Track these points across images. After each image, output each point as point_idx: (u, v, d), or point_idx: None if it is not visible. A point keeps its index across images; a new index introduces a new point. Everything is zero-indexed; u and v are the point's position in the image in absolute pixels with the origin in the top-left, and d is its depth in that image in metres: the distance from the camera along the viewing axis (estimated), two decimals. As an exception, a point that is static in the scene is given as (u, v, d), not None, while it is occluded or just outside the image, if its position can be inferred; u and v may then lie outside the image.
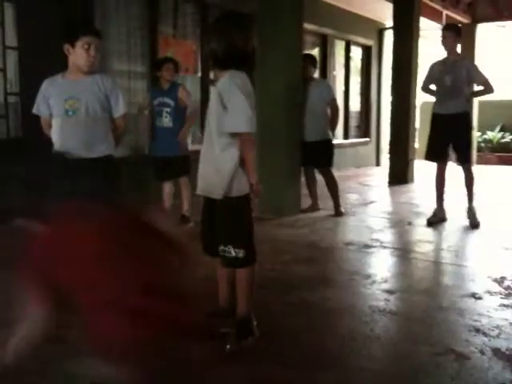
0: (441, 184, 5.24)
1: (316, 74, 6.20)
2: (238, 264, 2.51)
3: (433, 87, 5.23)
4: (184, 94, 4.94)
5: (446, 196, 5.30)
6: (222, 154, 2.44)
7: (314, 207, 5.84)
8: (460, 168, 5.16)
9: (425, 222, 5.31)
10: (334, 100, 5.77)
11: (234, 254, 2.47)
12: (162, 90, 5.02)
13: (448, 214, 5.32)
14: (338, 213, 5.68)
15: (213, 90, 2.48)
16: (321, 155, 5.63)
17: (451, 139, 5.06)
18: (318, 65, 9.60)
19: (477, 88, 5.11)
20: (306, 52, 7.20)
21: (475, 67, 5.07)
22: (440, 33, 5.13)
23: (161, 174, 5.12)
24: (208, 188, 2.51)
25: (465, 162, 5.12)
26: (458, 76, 4.94)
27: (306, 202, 5.86)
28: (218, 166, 2.45)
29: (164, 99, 4.96)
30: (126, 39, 6.10)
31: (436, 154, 5.17)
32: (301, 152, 5.65)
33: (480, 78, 5.00)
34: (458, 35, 5.04)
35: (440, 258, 4.14)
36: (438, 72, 5.10)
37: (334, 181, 5.73)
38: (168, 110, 4.95)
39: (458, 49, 5.19)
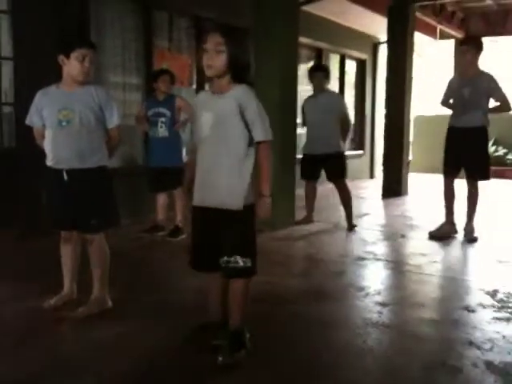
0: (451, 198, 5.16)
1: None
2: (245, 273, 2.48)
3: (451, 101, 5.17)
4: (183, 104, 4.96)
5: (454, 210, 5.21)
6: (244, 163, 2.46)
7: (309, 219, 5.83)
8: (464, 182, 5.07)
9: (418, 235, 5.32)
10: (345, 114, 5.69)
11: (241, 263, 2.44)
12: (157, 101, 5.03)
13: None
14: (350, 226, 5.62)
15: (226, 101, 2.43)
16: (333, 167, 5.57)
17: (465, 153, 4.95)
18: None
19: (494, 104, 4.97)
20: (318, 63, 7.19)
21: (495, 81, 4.90)
22: (455, 47, 5.03)
23: (155, 185, 5.12)
24: (221, 199, 2.45)
25: (479, 178, 4.99)
26: (477, 89, 4.86)
27: (299, 214, 5.86)
28: (238, 176, 2.44)
29: (159, 109, 4.98)
30: (121, 52, 6.13)
31: (452, 167, 5.09)
32: (307, 165, 5.64)
33: (499, 94, 4.88)
34: (479, 49, 4.92)
35: (433, 270, 4.14)
36: (455, 85, 5.05)
37: (348, 193, 5.68)
38: (163, 119, 4.97)
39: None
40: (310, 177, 5.74)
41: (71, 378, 2.30)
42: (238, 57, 2.43)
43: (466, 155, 4.96)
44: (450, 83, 5.19)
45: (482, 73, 4.95)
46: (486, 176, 5.04)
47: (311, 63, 9.67)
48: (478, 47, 4.94)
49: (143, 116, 5.10)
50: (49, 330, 2.84)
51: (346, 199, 5.68)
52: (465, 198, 5.11)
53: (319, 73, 5.62)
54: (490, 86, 4.87)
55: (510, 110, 4.95)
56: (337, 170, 5.60)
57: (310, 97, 5.75)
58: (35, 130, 3.04)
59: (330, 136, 5.50)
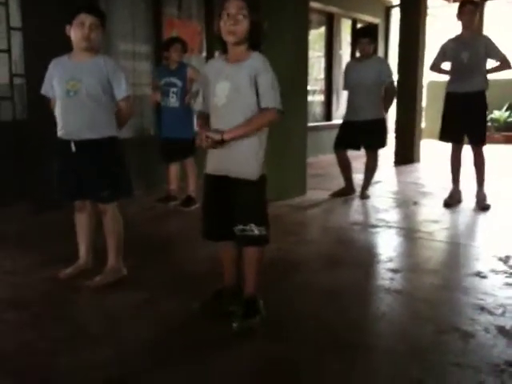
0: (457, 166, 5.13)
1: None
2: (261, 241, 2.51)
3: (444, 66, 5.09)
4: (195, 75, 4.87)
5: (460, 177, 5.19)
6: (260, 133, 2.46)
7: (348, 191, 5.66)
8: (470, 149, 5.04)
9: (431, 202, 5.31)
10: (392, 82, 5.51)
11: (257, 232, 2.46)
12: (169, 70, 4.99)
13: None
14: (363, 194, 5.57)
15: (244, 70, 2.40)
16: (375, 135, 5.45)
17: (466, 119, 4.90)
18: (326, 43, 9.64)
19: (494, 64, 4.89)
20: (364, 28, 6.88)
21: (493, 43, 4.83)
22: (457, 7, 4.89)
23: (167, 155, 5.12)
24: (238, 168, 2.45)
25: (478, 143, 4.96)
26: (476, 52, 4.78)
27: (310, 183, 5.85)
28: (254, 145, 2.44)
29: (171, 79, 4.94)
30: (130, 20, 6.06)
31: (451, 134, 5.04)
32: (346, 133, 5.46)
33: (498, 54, 4.80)
34: (477, 10, 4.85)
35: (445, 237, 4.15)
36: (452, 49, 4.94)
37: (376, 162, 5.60)
38: (175, 90, 4.93)
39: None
40: (348, 146, 5.55)
41: (89, 346, 2.35)
42: (259, 23, 2.40)
43: (468, 121, 4.91)
44: (444, 47, 5.05)
45: (479, 35, 4.92)
46: (483, 140, 4.98)
47: (322, 28, 9.54)
48: (477, 8, 4.87)
49: (157, 85, 5.07)
50: (65, 299, 2.90)
51: (372, 167, 5.61)
52: (472, 165, 5.08)
53: (365, 39, 5.39)
54: (487, 48, 4.80)
55: (510, 67, 4.85)
56: (378, 138, 5.48)
57: (354, 61, 5.60)
58: (51, 99, 3.06)
59: (373, 103, 5.35)
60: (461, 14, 4.85)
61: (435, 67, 5.17)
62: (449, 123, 5.05)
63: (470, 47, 4.82)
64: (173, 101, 4.95)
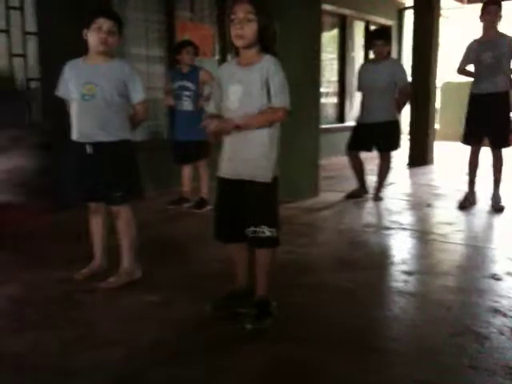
0: (474, 168, 5.07)
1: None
2: (272, 243, 2.52)
3: (470, 68, 5.02)
4: (207, 77, 4.89)
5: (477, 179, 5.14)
6: (272, 135, 2.47)
7: (361, 192, 5.65)
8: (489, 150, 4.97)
9: (445, 204, 5.27)
10: (406, 84, 5.48)
11: (268, 233, 2.47)
12: (181, 74, 5.00)
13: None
14: (377, 197, 5.56)
15: (255, 74, 2.41)
16: (388, 137, 5.42)
17: (489, 120, 4.84)
18: (339, 45, 9.62)
19: None
20: (379, 30, 6.89)
21: None
22: (480, 7, 4.79)
23: (180, 157, 5.15)
24: (251, 171, 2.47)
25: (501, 145, 4.87)
26: (499, 53, 4.72)
27: (323, 184, 5.84)
28: (267, 148, 2.46)
29: (184, 82, 4.96)
30: (143, 24, 6.11)
31: (474, 137, 4.97)
32: (360, 135, 5.44)
33: None
34: (500, 10, 4.78)
35: (460, 239, 4.11)
36: (475, 50, 4.88)
37: (390, 164, 5.57)
38: (188, 93, 4.95)
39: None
40: (361, 147, 5.53)
41: (102, 347, 2.37)
42: (268, 25, 2.41)
43: (490, 123, 4.85)
44: (469, 48, 4.99)
45: (502, 35, 4.82)
46: (507, 143, 4.90)
47: (335, 30, 9.53)
48: (500, 7, 4.79)
49: (170, 89, 5.09)
50: (79, 300, 2.92)
51: (385, 169, 5.58)
52: (490, 166, 5.02)
53: (380, 41, 5.38)
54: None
55: None
56: (391, 140, 5.45)
57: (368, 63, 5.59)
58: (66, 101, 3.08)
59: (387, 104, 5.32)
60: (484, 15, 4.80)
61: (461, 70, 5.08)
62: (472, 125, 4.98)
63: (494, 47, 4.76)
64: (186, 104, 4.97)
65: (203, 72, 4.99)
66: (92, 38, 2.92)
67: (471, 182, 5.15)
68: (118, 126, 3.01)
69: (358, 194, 5.64)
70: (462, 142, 5.13)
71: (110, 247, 3.29)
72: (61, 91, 3.06)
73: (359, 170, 5.64)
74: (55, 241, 4.06)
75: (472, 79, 5.02)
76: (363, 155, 5.65)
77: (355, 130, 5.60)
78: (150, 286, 3.09)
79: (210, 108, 2.63)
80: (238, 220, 2.54)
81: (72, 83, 2.97)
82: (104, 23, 2.90)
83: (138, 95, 3.04)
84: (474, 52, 4.91)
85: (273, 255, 2.57)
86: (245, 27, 2.36)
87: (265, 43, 2.44)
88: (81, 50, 3.04)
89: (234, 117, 2.47)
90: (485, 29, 4.88)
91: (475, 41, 4.96)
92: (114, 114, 2.98)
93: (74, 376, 2.13)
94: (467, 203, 5.10)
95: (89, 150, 2.98)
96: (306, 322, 2.62)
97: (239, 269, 2.70)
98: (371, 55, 5.78)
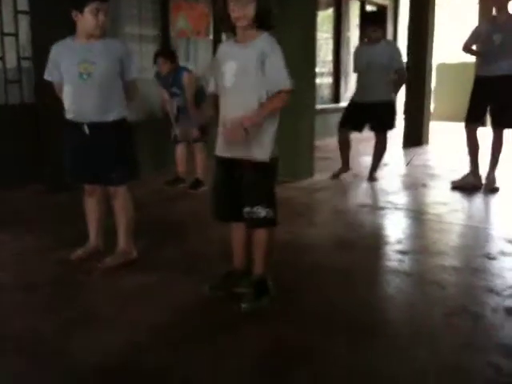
0: (476, 148, 5.05)
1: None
2: (268, 223, 2.52)
3: (474, 48, 4.99)
4: (187, 81, 4.89)
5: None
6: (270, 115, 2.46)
7: (344, 170, 5.66)
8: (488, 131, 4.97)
9: (439, 184, 5.29)
10: (402, 65, 5.44)
11: (264, 213, 2.48)
12: (167, 80, 5.02)
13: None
14: (372, 177, 5.57)
15: (251, 50, 2.39)
16: (383, 117, 5.40)
17: (493, 102, 4.83)
18: (334, 25, 9.54)
19: None
20: (372, 14, 6.82)
21: None
22: None
23: (175, 135, 5.19)
24: (248, 150, 2.45)
25: (506, 126, 4.86)
26: (509, 35, 4.66)
27: (318, 165, 5.84)
28: (265, 127, 2.44)
29: (172, 89, 5.02)
30: (136, 3, 6.02)
31: (477, 118, 4.97)
32: (352, 113, 5.42)
33: None
34: None
35: (454, 219, 4.14)
36: (485, 31, 4.83)
37: (386, 145, 5.57)
38: (177, 98, 5.03)
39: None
40: (352, 126, 5.51)
41: (100, 328, 2.38)
42: (265, 4, 2.39)
43: (495, 104, 4.84)
44: (478, 29, 4.96)
45: None
46: (510, 124, 4.91)
47: (330, 10, 9.45)
48: None
49: (165, 100, 5.15)
50: (77, 281, 2.92)
51: (380, 151, 5.58)
52: (488, 147, 5.03)
53: (371, 27, 5.34)
54: None
55: None
56: (386, 120, 5.43)
57: (364, 43, 5.57)
58: (56, 84, 3.03)
59: (383, 85, 5.30)
60: None
61: (467, 48, 5.04)
62: (476, 107, 4.96)
63: (504, 29, 4.71)
64: (178, 105, 5.06)
65: (185, 75, 4.94)
66: (87, 21, 2.83)
67: (474, 163, 5.11)
68: (116, 105, 2.98)
69: (340, 172, 5.65)
70: (465, 122, 5.07)
71: (107, 228, 3.29)
72: (50, 75, 2.99)
73: (345, 149, 5.63)
74: (51, 222, 4.05)
75: (469, 61, 4.98)
76: (360, 136, 5.63)
77: (348, 108, 5.60)
78: (147, 266, 3.10)
79: (211, 87, 2.62)
80: (235, 199, 2.54)
81: (65, 64, 2.91)
82: (101, 7, 2.83)
83: (131, 73, 3.01)
84: (484, 33, 4.86)
85: (269, 235, 2.57)
86: (245, 7, 2.34)
87: (262, 23, 2.42)
88: (73, 29, 2.98)
89: (230, 94, 2.46)
90: (497, 11, 4.83)
91: (484, 22, 4.93)
92: (113, 93, 2.95)
93: (74, 359, 2.12)
94: (461, 183, 5.08)
95: (87, 130, 2.96)
96: (303, 302, 2.63)
97: (236, 249, 2.71)
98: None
